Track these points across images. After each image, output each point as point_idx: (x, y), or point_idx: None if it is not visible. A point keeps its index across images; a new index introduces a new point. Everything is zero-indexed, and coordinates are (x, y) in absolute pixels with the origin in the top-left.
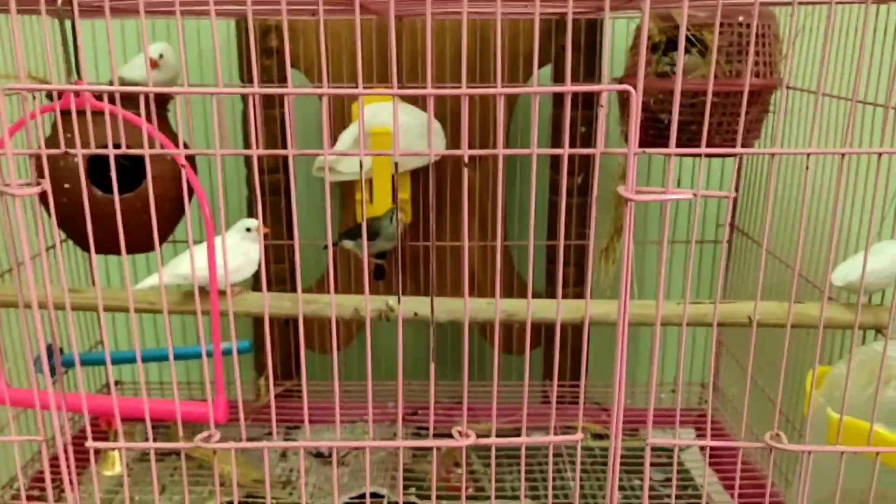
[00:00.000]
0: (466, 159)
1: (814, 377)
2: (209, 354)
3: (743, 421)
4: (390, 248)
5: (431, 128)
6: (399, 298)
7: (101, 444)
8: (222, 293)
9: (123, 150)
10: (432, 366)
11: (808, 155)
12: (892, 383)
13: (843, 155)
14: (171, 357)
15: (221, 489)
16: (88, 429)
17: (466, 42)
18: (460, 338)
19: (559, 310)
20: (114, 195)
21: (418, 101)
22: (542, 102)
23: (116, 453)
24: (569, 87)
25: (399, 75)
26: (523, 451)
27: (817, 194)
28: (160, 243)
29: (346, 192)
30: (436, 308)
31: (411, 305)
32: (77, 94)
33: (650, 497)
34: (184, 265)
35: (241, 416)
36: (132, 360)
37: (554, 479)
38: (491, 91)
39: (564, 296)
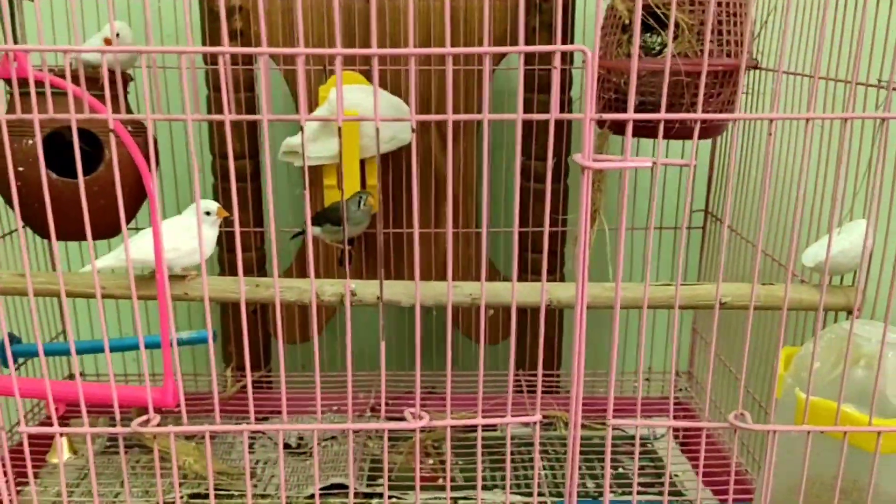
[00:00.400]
0: (414, 125)
1: (778, 358)
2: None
3: (707, 401)
4: (358, 233)
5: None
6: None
7: (34, 429)
8: (177, 277)
9: (86, 116)
10: (382, 344)
11: (772, 121)
12: (862, 362)
13: (807, 120)
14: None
15: (186, 482)
16: (54, 415)
17: (442, 28)
18: (436, 328)
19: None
20: (66, 179)
21: (388, 84)
22: (512, 88)
23: (65, 441)
24: (521, 48)
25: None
26: (479, 433)
27: (790, 178)
28: (119, 229)
29: (314, 177)
30: (398, 291)
31: (373, 289)
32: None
33: (623, 486)
34: (134, 249)
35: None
36: (80, 350)
37: (527, 469)
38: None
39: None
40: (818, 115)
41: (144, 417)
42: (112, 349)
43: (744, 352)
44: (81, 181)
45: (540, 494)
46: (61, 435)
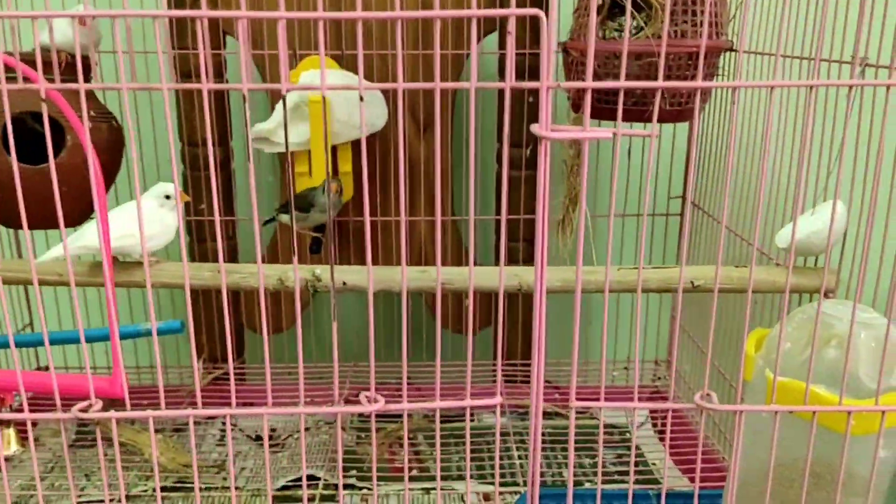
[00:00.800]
0: (362, 94)
1: (744, 339)
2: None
3: (671, 380)
4: (327, 220)
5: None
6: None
7: None
8: (137, 264)
9: (18, 86)
10: (335, 325)
11: (772, 88)
12: (834, 342)
13: (771, 88)
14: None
15: (152, 475)
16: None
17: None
18: (414, 320)
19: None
20: (24, 165)
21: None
22: (489, 74)
23: (12, 432)
24: (474, 12)
25: (341, 41)
26: (437, 417)
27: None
28: (83, 218)
29: (284, 164)
30: (364, 277)
31: (340, 275)
32: None
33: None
34: (90, 235)
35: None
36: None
37: (501, 458)
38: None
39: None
40: (782, 83)
41: (86, 403)
42: (54, 341)
43: (709, 331)
44: (53, 167)
45: (514, 484)
46: (7, 426)
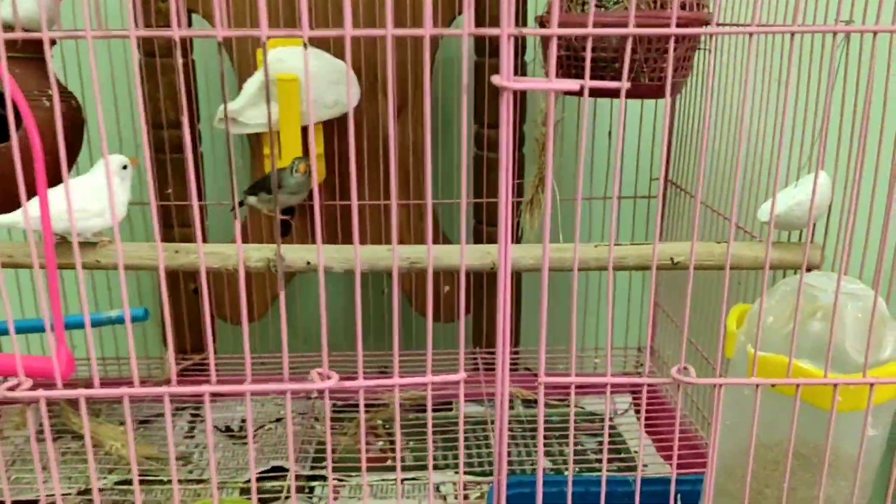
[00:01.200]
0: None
1: (723, 314)
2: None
3: (647, 356)
4: (296, 202)
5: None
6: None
7: None
8: (89, 244)
9: None
10: (282, 294)
11: (751, 35)
12: (819, 315)
13: (750, 35)
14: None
15: (116, 468)
16: None
17: None
18: (389, 307)
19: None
20: None
21: (330, 48)
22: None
23: None
24: None
25: (310, 20)
26: (396, 394)
27: (750, 141)
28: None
29: (253, 145)
30: (331, 256)
31: (302, 254)
32: None
33: (579, 462)
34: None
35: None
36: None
37: (479, 448)
38: None
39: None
40: (762, 29)
41: (14, 381)
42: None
43: (686, 306)
44: (15, 144)
45: (491, 473)
46: None
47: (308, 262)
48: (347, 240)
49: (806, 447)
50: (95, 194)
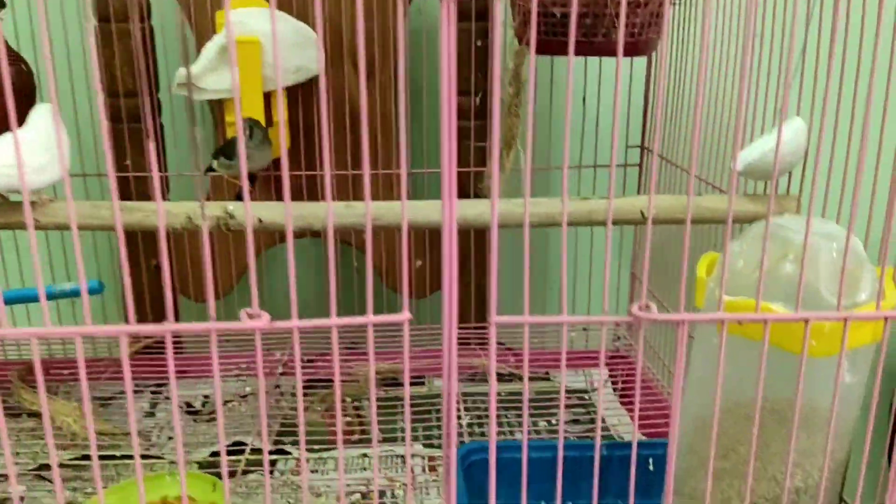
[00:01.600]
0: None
1: (683, 266)
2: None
3: (605, 292)
4: (257, 168)
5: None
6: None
7: None
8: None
9: None
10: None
11: None
12: (791, 256)
13: None
14: None
15: (70, 445)
16: None
17: None
18: (359, 283)
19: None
20: None
21: (293, 11)
22: (434, 26)
23: None
24: None
25: None
26: (334, 336)
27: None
28: None
29: (216, 113)
30: (281, 213)
31: (255, 211)
32: None
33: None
34: None
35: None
36: None
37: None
38: None
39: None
40: None
41: None
42: None
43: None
44: None
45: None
46: None
47: (260, 220)
48: None
49: (780, 403)
50: (31, 148)
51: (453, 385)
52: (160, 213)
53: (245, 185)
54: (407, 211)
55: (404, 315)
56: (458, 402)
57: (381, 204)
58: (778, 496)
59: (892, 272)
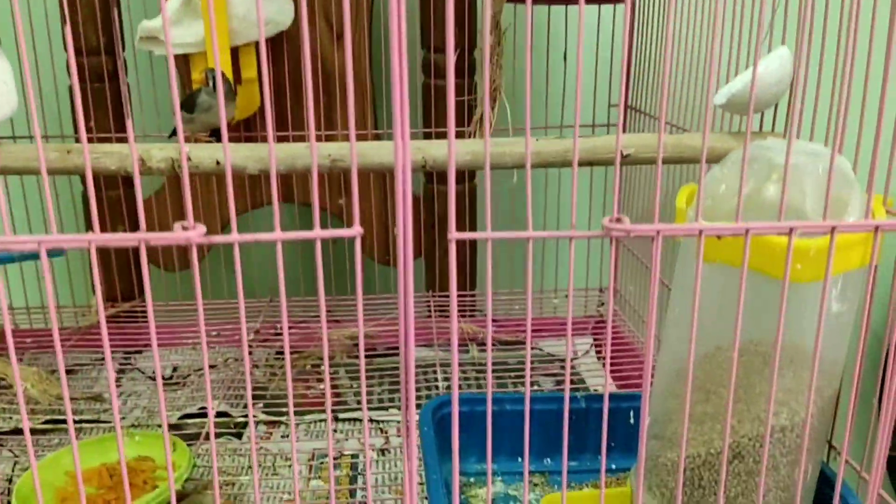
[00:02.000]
0: None
1: (656, 210)
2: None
3: (574, 204)
4: (217, 123)
5: None
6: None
7: None
8: None
9: None
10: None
11: None
12: (774, 177)
13: None
14: None
15: (30, 414)
16: None
17: None
18: (339, 254)
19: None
20: None
21: None
22: None
23: None
24: None
25: None
26: (279, 249)
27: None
28: None
29: (181, 70)
30: (244, 155)
31: (211, 152)
32: None
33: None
34: None
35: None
36: None
37: (429, 390)
38: None
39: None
40: None
41: None
42: None
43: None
44: None
45: None
46: None
47: (218, 162)
48: None
49: (765, 344)
50: None
51: (410, 326)
52: (134, 157)
53: (224, 125)
54: (373, 152)
55: (355, 230)
56: (436, 369)
57: (344, 144)
58: (761, 435)
59: (882, 199)
